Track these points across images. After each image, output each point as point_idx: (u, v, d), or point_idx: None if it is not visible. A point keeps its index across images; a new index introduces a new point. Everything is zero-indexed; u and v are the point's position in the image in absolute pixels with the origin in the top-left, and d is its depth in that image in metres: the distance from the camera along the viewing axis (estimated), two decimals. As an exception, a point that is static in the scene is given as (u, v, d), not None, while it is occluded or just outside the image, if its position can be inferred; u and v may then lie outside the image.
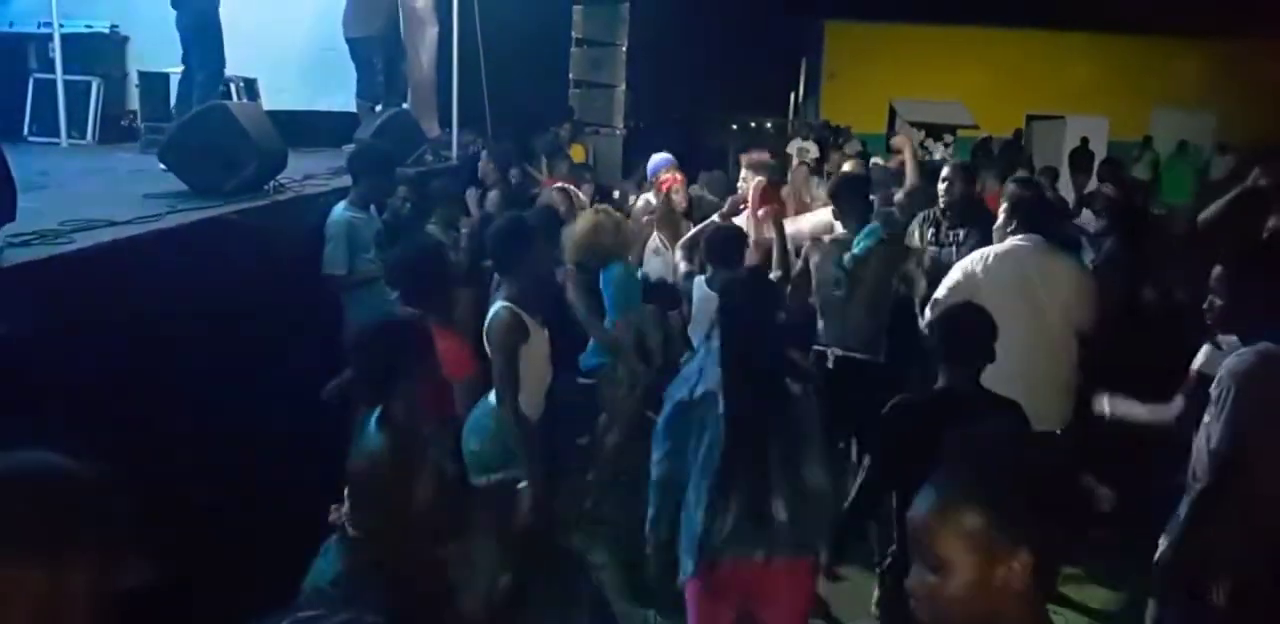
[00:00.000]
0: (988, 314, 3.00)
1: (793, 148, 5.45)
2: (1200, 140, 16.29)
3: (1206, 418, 2.85)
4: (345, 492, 2.48)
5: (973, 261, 3.95)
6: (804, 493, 2.80)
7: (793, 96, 19.36)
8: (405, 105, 7.63)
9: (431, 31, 8.11)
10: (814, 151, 5.98)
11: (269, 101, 7.63)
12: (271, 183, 4.67)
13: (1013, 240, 4.00)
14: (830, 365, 4.22)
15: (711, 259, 4.24)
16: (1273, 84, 15.90)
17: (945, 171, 4.86)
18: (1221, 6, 14.52)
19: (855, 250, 4.20)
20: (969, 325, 2.97)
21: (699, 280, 4.34)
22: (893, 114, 18.65)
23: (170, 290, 3.21)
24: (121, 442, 2.52)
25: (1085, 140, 15.85)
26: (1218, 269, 3.01)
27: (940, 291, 3.91)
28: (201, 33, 6.01)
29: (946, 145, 13.53)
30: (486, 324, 3.43)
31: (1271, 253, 3.43)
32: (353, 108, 7.19)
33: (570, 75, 12.23)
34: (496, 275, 4.04)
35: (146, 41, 7.44)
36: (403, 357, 2.59)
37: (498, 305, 3.42)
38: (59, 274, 2.85)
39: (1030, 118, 18.59)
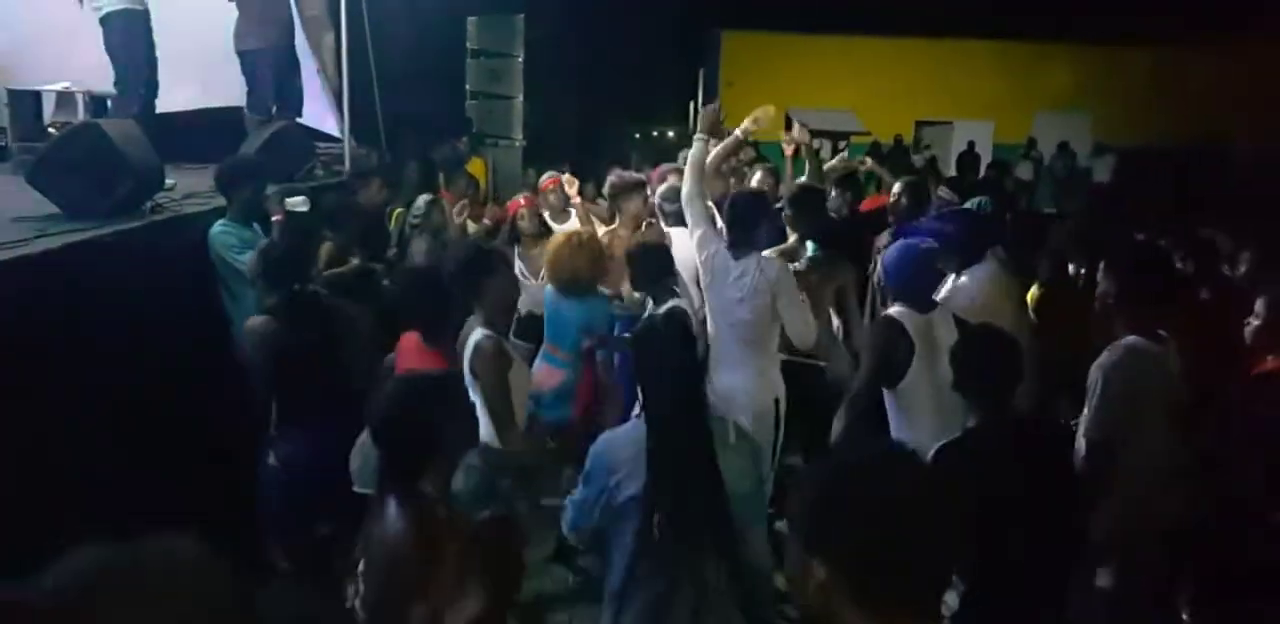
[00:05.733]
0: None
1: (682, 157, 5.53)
2: (1078, 141, 17.04)
3: (1086, 411, 3.02)
4: (359, 573, 2.17)
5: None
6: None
7: (691, 105, 19.57)
8: (300, 119, 7.45)
9: (329, 37, 7.95)
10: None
11: (162, 103, 7.34)
12: (149, 203, 4.50)
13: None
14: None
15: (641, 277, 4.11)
16: (1142, 86, 16.75)
17: (896, 188, 5.12)
18: (1096, 13, 15.26)
19: (806, 258, 4.34)
20: (1014, 350, 2.81)
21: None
22: (789, 123, 18.97)
23: (39, 318, 3.06)
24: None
25: (972, 144, 16.47)
26: (1103, 265, 3.20)
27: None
28: (130, 49, 5.76)
29: (839, 150, 13.87)
30: (470, 355, 3.24)
31: (1143, 253, 3.60)
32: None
33: (467, 87, 12.13)
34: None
35: (14, 58, 7.10)
36: (444, 425, 2.23)
37: (478, 335, 3.24)
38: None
39: (919, 123, 19.19)
